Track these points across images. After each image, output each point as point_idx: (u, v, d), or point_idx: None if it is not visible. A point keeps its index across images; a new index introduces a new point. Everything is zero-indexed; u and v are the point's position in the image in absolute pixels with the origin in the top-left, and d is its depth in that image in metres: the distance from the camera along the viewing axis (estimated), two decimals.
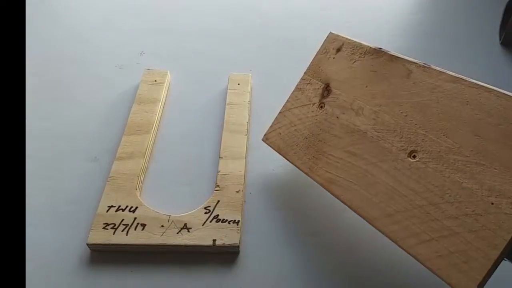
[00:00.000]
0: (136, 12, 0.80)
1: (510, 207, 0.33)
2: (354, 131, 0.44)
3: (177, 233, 0.43)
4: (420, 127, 0.40)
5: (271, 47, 0.73)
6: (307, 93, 0.49)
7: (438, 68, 0.41)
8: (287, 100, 0.51)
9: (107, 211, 0.45)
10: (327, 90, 0.48)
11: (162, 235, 0.43)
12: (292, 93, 0.51)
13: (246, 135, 0.54)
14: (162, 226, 0.44)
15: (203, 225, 0.44)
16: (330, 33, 0.51)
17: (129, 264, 0.43)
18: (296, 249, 0.45)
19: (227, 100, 0.59)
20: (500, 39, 0.76)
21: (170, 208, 0.46)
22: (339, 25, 0.79)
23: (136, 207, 0.46)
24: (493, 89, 0.37)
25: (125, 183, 0.48)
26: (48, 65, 0.67)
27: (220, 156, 0.51)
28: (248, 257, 0.44)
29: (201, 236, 0.43)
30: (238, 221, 0.45)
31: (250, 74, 0.63)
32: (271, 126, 0.51)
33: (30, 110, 0.58)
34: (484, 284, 0.33)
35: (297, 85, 0.51)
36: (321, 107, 0.47)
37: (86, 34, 0.74)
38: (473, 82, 0.38)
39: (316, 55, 0.51)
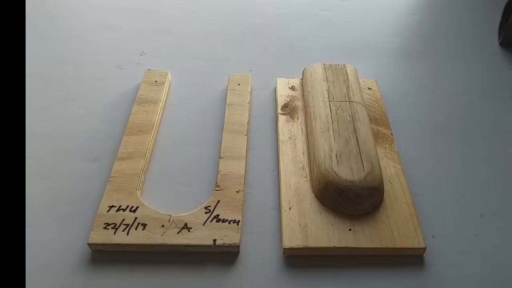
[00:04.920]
0: (136, 12, 0.80)
1: None
2: None
3: (178, 233, 0.44)
4: None
5: (271, 47, 0.73)
6: None
7: None
8: None
9: (107, 211, 0.45)
10: None
11: (162, 235, 0.43)
12: None
13: (246, 135, 0.54)
14: (163, 226, 0.44)
15: (203, 225, 0.44)
16: None
17: (129, 264, 0.43)
18: None
19: (227, 101, 0.59)
20: (499, 40, 0.76)
21: (170, 208, 0.46)
22: (339, 25, 0.79)
23: (137, 207, 0.46)
24: None
25: (126, 183, 0.48)
26: (48, 65, 0.67)
27: (220, 156, 0.51)
28: (248, 257, 0.44)
29: (201, 236, 0.43)
30: (238, 221, 0.45)
31: (250, 75, 0.63)
32: None
33: (30, 110, 0.58)
34: None
35: None
36: None
37: (86, 34, 0.74)
38: None
39: None
